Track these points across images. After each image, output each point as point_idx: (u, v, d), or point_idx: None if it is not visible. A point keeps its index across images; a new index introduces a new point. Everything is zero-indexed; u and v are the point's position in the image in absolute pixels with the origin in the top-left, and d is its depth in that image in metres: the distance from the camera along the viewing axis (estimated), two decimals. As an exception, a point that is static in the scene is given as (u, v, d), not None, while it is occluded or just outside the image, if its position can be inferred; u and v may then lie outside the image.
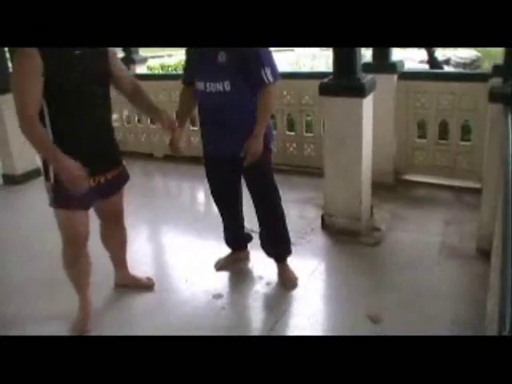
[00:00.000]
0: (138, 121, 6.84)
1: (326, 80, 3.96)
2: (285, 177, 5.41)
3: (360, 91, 3.79)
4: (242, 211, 3.65)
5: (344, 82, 3.86)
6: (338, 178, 4.03)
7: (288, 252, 3.56)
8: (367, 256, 3.83)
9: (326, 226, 4.20)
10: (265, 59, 3.03)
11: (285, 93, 5.53)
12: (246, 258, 3.84)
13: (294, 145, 5.67)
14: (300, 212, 4.71)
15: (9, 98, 3.01)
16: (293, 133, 5.67)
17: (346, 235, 4.05)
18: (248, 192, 3.42)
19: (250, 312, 3.33)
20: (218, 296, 3.40)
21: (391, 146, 4.96)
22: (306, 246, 4.01)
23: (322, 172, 4.18)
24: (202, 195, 5.45)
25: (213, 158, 3.35)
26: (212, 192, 3.54)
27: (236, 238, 3.77)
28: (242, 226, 3.74)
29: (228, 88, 3.02)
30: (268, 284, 3.54)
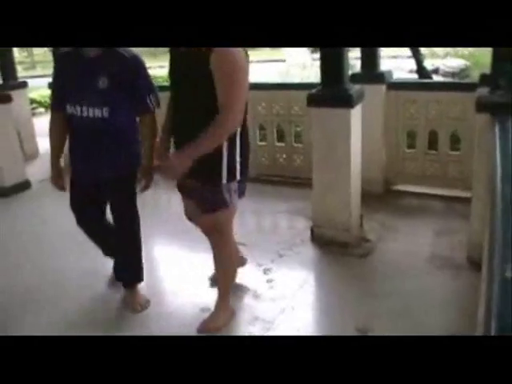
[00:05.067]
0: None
1: (313, 91, 3.95)
2: (275, 187, 5.43)
3: (348, 102, 3.77)
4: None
5: (332, 93, 3.85)
6: (326, 189, 4.01)
7: (140, 279, 3.49)
8: (357, 267, 3.79)
9: (316, 237, 4.17)
10: (150, 86, 3.07)
11: (274, 104, 5.53)
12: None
13: (284, 155, 5.65)
14: (289, 223, 4.70)
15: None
16: (282, 143, 5.64)
17: (335, 246, 4.01)
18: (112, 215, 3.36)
19: (238, 325, 3.29)
20: (205, 309, 3.35)
21: (381, 155, 4.95)
22: (294, 258, 3.97)
23: (311, 183, 4.16)
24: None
25: (83, 184, 3.25)
26: (80, 222, 3.36)
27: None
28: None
29: (106, 114, 2.95)
30: (256, 297, 3.50)
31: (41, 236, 4.66)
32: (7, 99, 5.98)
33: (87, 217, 3.36)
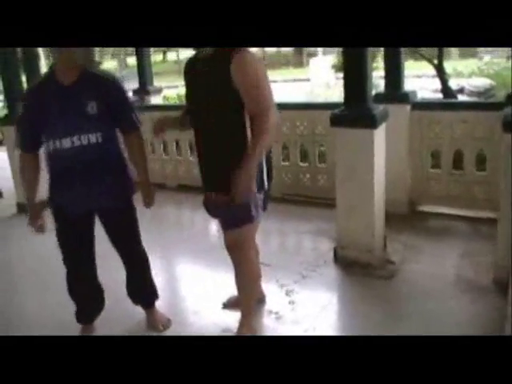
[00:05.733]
0: (152, 151, 6.86)
1: (337, 111, 3.94)
2: (298, 207, 5.41)
3: (371, 122, 3.76)
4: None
5: (355, 113, 3.83)
6: (350, 210, 3.98)
7: (156, 297, 3.48)
8: (380, 289, 3.74)
9: (339, 258, 4.13)
10: (132, 104, 3.08)
11: (298, 123, 5.53)
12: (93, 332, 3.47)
13: (308, 175, 5.63)
14: (313, 244, 4.67)
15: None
16: (306, 163, 5.63)
17: (358, 268, 3.97)
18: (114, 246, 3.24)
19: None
20: (227, 330, 3.33)
21: (405, 176, 4.91)
22: (318, 279, 3.94)
23: (335, 203, 4.13)
24: (214, 226, 5.41)
25: (75, 221, 3.04)
26: (69, 259, 3.16)
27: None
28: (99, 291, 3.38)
29: (100, 139, 2.87)
30: (278, 318, 3.47)
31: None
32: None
33: (79, 260, 3.18)
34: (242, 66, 2.58)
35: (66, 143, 2.83)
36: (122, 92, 2.99)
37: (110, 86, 2.93)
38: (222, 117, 2.70)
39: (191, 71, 2.85)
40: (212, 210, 3.02)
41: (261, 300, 3.59)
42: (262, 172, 2.80)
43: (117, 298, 3.51)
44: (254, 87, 2.61)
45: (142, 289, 3.44)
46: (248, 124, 2.68)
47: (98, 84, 2.89)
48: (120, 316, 3.57)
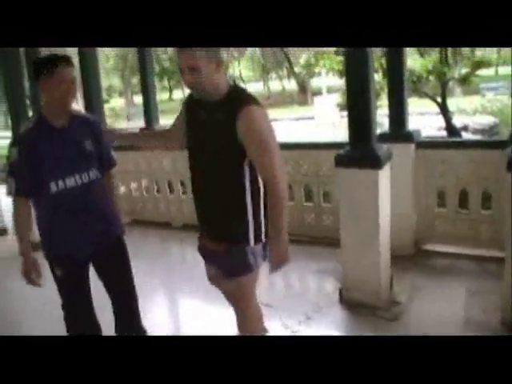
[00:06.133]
0: (157, 190, 6.89)
1: (341, 151, 3.95)
2: (304, 247, 5.37)
3: (376, 162, 3.77)
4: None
5: (359, 154, 3.85)
6: (355, 250, 3.96)
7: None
8: (386, 331, 3.68)
9: (344, 299, 4.09)
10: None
11: (302, 163, 5.55)
12: None
13: (313, 215, 5.62)
14: (318, 284, 4.65)
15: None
16: (311, 203, 5.63)
17: (364, 309, 3.92)
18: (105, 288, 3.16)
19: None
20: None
21: (410, 215, 4.89)
22: (322, 320, 3.90)
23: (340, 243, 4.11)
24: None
25: (75, 264, 2.98)
26: (69, 304, 3.08)
27: None
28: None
29: (94, 176, 2.94)
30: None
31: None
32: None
33: (79, 305, 3.10)
34: (250, 124, 2.48)
35: (70, 182, 2.85)
36: (102, 131, 3.10)
37: (96, 125, 3.04)
38: (222, 167, 2.61)
39: (194, 115, 2.74)
40: (208, 257, 2.90)
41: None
42: (260, 223, 2.70)
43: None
44: (261, 149, 2.51)
45: (130, 328, 3.31)
46: (248, 174, 2.60)
47: (87, 124, 2.99)
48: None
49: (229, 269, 2.76)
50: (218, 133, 2.55)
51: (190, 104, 2.77)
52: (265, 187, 2.60)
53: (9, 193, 2.86)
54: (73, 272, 3.00)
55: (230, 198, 2.64)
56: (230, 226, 2.65)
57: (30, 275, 2.90)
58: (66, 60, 2.72)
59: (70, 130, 2.89)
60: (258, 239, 2.70)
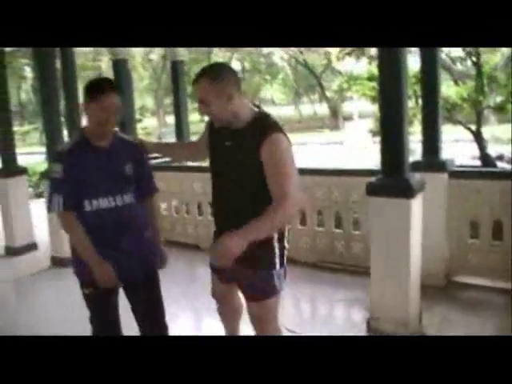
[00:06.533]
0: (187, 212, 6.91)
1: (373, 180, 3.91)
2: (333, 275, 5.33)
3: (408, 192, 3.72)
4: None
5: (392, 183, 3.81)
6: (384, 281, 3.89)
7: None
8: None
9: (372, 330, 4.01)
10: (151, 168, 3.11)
11: (332, 189, 5.51)
12: None
13: (342, 242, 5.56)
14: (345, 314, 4.58)
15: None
16: (341, 230, 5.58)
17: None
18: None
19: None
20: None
21: (442, 246, 4.80)
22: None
23: (369, 271, 4.04)
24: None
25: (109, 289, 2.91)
26: (101, 325, 3.05)
27: None
28: None
29: (133, 200, 2.92)
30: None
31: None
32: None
33: (106, 322, 3.07)
34: (273, 149, 2.51)
35: (103, 203, 2.84)
36: (145, 156, 3.08)
37: (138, 149, 3.02)
38: (246, 192, 2.65)
39: (218, 139, 2.75)
40: (230, 279, 2.91)
41: None
42: (284, 243, 2.74)
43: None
44: (280, 174, 2.51)
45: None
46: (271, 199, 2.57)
47: (129, 146, 2.98)
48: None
49: (256, 292, 2.78)
50: (243, 159, 2.60)
51: (212, 127, 2.81)
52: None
53: (54, 209, 2.80)
54: (100, 293, 2.95)
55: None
56: (257, 251, 2.57)
57: (108, 278, 2.82)
58: (113, 86, 2.75)
59: (110, 152, 2.89)
60: (282, 263, 2.76)
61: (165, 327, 3.13)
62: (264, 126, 2.56)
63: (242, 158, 2.60)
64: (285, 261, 2.79)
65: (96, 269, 2.78)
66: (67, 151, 2.89)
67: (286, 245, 2.77)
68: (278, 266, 2.72)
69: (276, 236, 2.67)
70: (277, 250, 2.70)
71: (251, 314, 2.90)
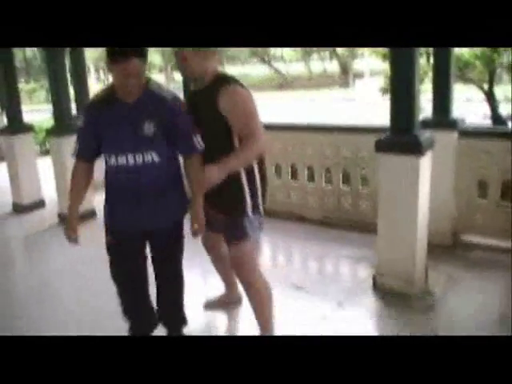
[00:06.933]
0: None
1: (382, 137, 3.87)
2: (339, 232, 5.34)
3: (417, 149, 3.67)
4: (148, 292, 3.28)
5: (401, 140, 3.76)
6: (391, 238, 3.89)
7: (185, 323, 3.38)
8: (417, 323, 3.61)
9: (378, 286, 4.03)
10: (194, 127, 2.92)
11: (341, 146, 5.47)
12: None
13: (349, 199, 5.54)
14: (352, 270, 4.59)
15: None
16: (348, 187, 5.56)
17: (397, 297, 3.86)
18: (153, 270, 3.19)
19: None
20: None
21: (450, 205, 4.77)
22: (354, 307, 3.85)
23: (376, 228, 4.04)
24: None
25: (129, 241, 3.04)
26: (119, 276, 3.13)
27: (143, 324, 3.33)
28: (151, 309, 3.32)
29: (155, 159, 2.83)
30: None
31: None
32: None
33: (133, 269, 3.15)
34: (231, 99, 2.91)
35: (122, 161, 2.83)
36: (180, 114, 2.89)
37: (168, 106, 2.85)
38: (217, 144, 2.97)
39: (190, 102, 3.13)
40: (213, 224, 3.23)
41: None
42: (257, 195, 3.09)
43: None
44: (244, 116, 2.93)
45: (171, 313, 3.36)
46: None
47: (157, 104, 2.83)
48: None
49: (228, 236, 3.17)
50: (208, 115, 2.95)
51: (189, 98, 3.25)
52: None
53: (73, 156, 3.00)
54: (119, 244, 3.06)
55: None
56: (227, 196, 3.03)
57: (70, 235, 3.03)
58: (137, 53, 2.61)
59: (134, 108, 2.81)
60: (254, 211, 3.09)
61: (179, 278, 3.24)
62: (221, 82, 2.95)
63: (206, 114, 2.95)
64: (260, 210, 3.13)
65: (66, 222, 3.05)
66: (90, 103, 2.98)
67: (259, 192, 3.10)
68: (250, 213, 3.06)
69: (245, 181, 3.03)
70: (248, 198, 3.04)
71: (230, 258, 3.22)
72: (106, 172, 2.97)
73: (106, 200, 3.05)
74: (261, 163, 3.11)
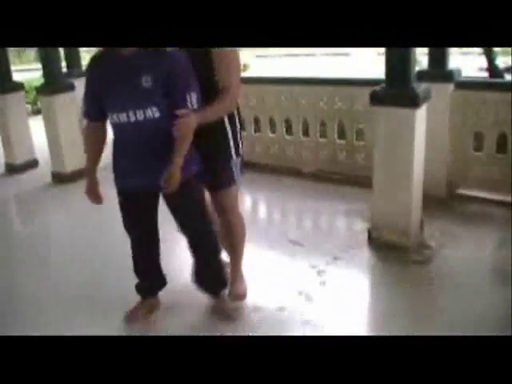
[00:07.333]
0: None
1: (377, 88, 3.81)
2: (334, 186, 5.32)
3: (413, 101, 3.63)
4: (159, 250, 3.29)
5: (396, 92, 3.70)
6: (387, 191, 3.88)
7: (224, 285, 3.34)
8: (414, 275, 3.65)
9: (373, 240, 4.03)
10: (191, 84, 2.77)
11: (336, 99, 5.40)
12: (157, 307, 3.42)
13: (345, 153, 5.50)
14: (347, 224, 4.61)
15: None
16: (343, 141, 5.51)
17: (392, 251, 3.87)
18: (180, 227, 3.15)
19: (291, 327, 3.20)
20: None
21: (445, 158, 4.74)
22: (350, 261, 3.87)
23: (372, 182, 4.01)
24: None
25: (134, 191, 2.98)
26: (129, 232, 3.16)
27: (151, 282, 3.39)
28: (159, 269, 3.36)
29: (155, 114, 2.74)
30: (308, 299, 3.42)
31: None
32: (71, 87, 6.15)
33: (143, 225, 3.14)
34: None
35: (123, 118, 2.77)
36: (178, 69, 2.74)
37: (167, 60, 2.72)
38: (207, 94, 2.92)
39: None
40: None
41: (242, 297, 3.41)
42: (238, 138, 3.15)
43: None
44: (228, 66, 2.94)
45: (209, 275, 3.32)
46: None
47: (156, 56, 2.69)
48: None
49: (219, 181, 3.15)
50: (202, 66, 2.87)
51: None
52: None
53: (82, 115, 3.03)
54: (126, 199, 3.05)
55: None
56: (213, 143, 3.06)
57: (91, 196, 3.07)
58: None
59: (132, 61, 2.71)
60: (237, 153, 3.15)
61: (210, 233, 3.19)
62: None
63: (201, 67, 2.88)
64: (240, 152, 3.18)
65: (86, 182, 3.07)
66: (91, 62, 2.90)
67: (240, 136, 3.17)
68: (234, 156, 3.12)
69: (228, 126, 3.08)
70: (231, 140, 3.09)
71: (218, 205, 3.23)
72: (112, 130, 2.94)
73: (113, 157, 3.01)
74: (237, 108, 3.17)
